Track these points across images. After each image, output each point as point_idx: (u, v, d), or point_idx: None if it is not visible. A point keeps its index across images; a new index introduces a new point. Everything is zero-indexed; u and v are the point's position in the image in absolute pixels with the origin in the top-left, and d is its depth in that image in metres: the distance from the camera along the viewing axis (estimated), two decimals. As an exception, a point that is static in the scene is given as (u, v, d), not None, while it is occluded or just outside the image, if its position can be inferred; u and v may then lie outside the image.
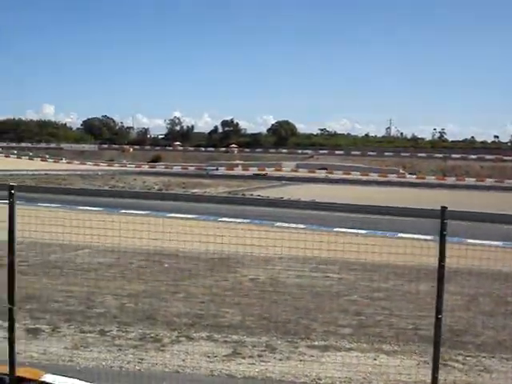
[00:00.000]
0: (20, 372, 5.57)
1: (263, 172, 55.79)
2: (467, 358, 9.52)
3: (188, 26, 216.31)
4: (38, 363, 8.07)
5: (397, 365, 9.06)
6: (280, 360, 9.20)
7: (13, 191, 4.80)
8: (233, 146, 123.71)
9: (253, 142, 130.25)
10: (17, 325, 9.95)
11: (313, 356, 9.46)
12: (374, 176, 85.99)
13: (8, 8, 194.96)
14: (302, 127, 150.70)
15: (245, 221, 26.50)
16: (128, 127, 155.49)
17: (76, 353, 9.17)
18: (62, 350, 9.30)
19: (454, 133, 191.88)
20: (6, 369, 6.33)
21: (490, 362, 9.43)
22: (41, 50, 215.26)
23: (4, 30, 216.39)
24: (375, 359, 9.37)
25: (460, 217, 25.85)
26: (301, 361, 9.22)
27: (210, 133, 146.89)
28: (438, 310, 4.74)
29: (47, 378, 6.26)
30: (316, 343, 10.07)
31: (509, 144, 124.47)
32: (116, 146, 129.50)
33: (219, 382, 8.26)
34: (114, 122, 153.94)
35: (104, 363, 8.76)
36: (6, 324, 10.37)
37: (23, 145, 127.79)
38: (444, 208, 4.64)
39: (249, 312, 11.65)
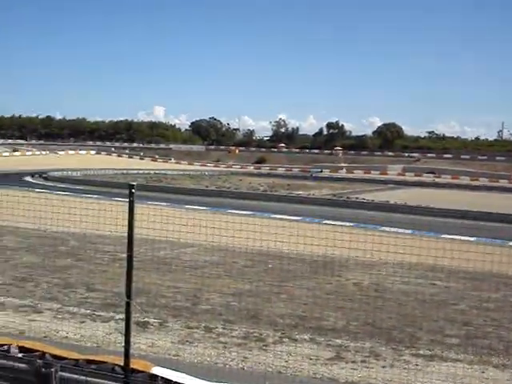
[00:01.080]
0: (132, 363, 5.79)
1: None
2: None
3: (293, 26, 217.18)
4: (146, 355, 8.35)
5: (506, 379, 8.68)
6: (383, 367, 9.03)
7: (133, 190, 5.00)
8: (337, 148, 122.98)
9: (358, 144, 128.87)
10: (127, 317, 10.45)
11: (417, 365, 9.21)
12: (484, 181, 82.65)
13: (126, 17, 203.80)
14: (409, 130, 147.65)
15: (349, 224, 26.18)
16: (234, 129, 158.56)
17: (182, 347, 9.43)
18: (168, 343, 9.59)
19: None
20: (117, 359, 6.62)
21: None
22: (155, 55, 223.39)
23: (117, 39, 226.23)
24: (483, 372, 9.00)
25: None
26: (405, 369, 9.00)
27: (314, 135, 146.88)
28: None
29: (156, 370, 6.47)
30: (421, 352, 9.80)
31: None
32: (222, 147, 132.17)
33: (321, 386, 8.24)
34: (220, 123, 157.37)
35: (209, 359, 8.95)
36: (117, 316, 10.93)
37: (134, 145, 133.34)
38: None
39: (352, 316, 11.52)
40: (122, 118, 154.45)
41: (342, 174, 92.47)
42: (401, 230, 25.88)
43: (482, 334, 11.09)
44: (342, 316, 11.56)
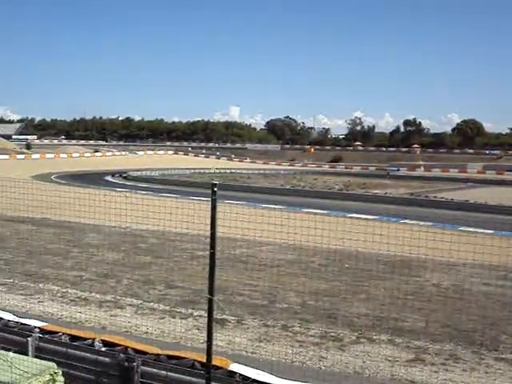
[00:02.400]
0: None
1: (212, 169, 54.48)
2: None
3: (365, 22, 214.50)
4: (224, 352, 8.46)
5: None
6: (464, 371, 8.79)
7: (215, 189, 5.08)
8: (415, 146, 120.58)
9: (436, 142, 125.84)
10: (205, 314, 10.61)
11: (500, 369, 8.92)
12: None
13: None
14: (490, 126, 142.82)
15: (427, 223, 25.60)
16: (309, 127, 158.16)
17: (259, 345, 9.50)
18: (246, 341, 9.68)
19: None
20: (197, 355, 6.74)
21: None
22: (230, 56, 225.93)
23: (192, 41, 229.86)
24: None
25: None
26: (486, 373, 8.75)
27: (391, 133, 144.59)
28: None
29: (234, 367, 6.56)
30: (504, 356, 9.48)
31: None
32: (297, 146, 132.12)
33: (400, 388, 8.11)
34: (295, 122, 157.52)
35: (286, 358, 8.97)
36: (196, 313, 11.13)
37: (211, 145, 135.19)
38: None
39: (432, 318, 11.28)
40: (198, 119, 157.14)
41: (420, 172, 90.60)
42: (481, 230, 25.12)
43: None
44: (421, 317, 11.33)
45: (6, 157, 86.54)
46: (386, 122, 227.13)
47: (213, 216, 4.98)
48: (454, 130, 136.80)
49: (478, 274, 15.37)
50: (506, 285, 14.72)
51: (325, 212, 29.30)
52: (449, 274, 15.57)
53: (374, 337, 10.12)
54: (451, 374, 8.63)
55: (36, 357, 6.71)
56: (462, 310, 12.01)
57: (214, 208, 4.97)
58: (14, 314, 8.59)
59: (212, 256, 5.05)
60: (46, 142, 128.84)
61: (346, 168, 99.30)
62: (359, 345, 9.71)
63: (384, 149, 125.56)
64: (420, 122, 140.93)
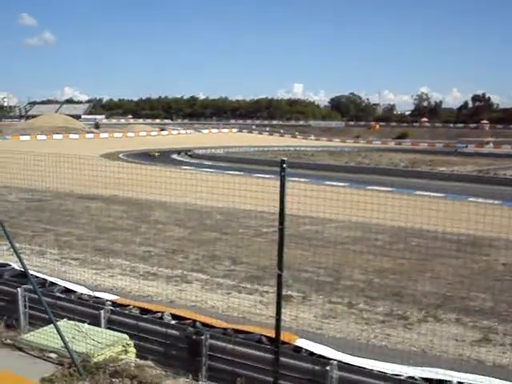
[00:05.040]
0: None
1: (155, 153, 56.70)
2: None
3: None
4: (289, 328, 8.54)
5: None
6: (535, 351, 8.62)
7: (284, 165, 5.11)
8: (484, 122, 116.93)
9: (506, 117, 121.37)
10: (271, 290, 10.73)
11: None
12: None
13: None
14: None
15: (496, 202, 24.93)
16: (374, 104, 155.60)
17: (325, 322, 9.56)
18: (312, 317, 9.76)
19: None
20: (264, 330, 6.86)
21: None
22: (293, 34, 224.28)
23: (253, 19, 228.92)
24: None
25: None
26: (558, 355, 8.54)
27: (459, 108, 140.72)
28: None
29: (301, 342, 6.64)
30: None
31: None
32: (362, 123, 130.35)
33: (468, 367, 7.98)
34: (360, 98, 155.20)
35: (351, 335, 9.00)
36: (261, 288, 11.27)
37: (274, 122, 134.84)
38: None
39: (501, 298, 11.05)
40: (262, 96, 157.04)
41: (489, 149, 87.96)
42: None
43: None
44: (489, 297, 11.13)
45: (76, 136, 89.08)
46: (453, 97, 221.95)
47: (282, 192, 5.01)
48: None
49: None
50: None
51: (390, 189, 28.96)
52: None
53: (441, 316, 10.02)
54: (521, 354, 8.47)
55: (108, 329, 6.96)
56: (535, 289, 11.74)
57: (282, 184, 5.00)
58: (87, 288, 8.92)
59: (281, 232, 5.09)
60: (114, 121, 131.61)
61: (411, 145, 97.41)
62: (426, 323, 9.65)
63: (451, 125, 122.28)
64: (489, 97, 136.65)
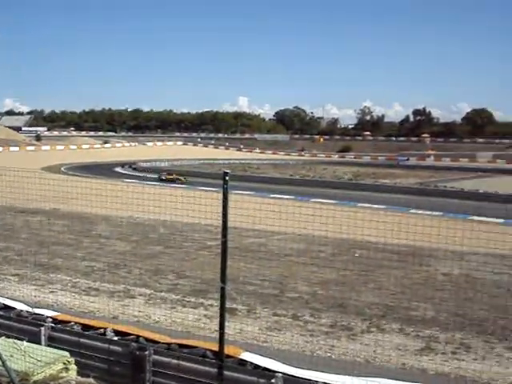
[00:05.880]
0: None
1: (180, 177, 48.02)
2: None
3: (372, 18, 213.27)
4: (235, 341, 8.49)
5: None
6: (475, 360, 8.80)
7: (227, 178, 5.07)
8: (424, 135, 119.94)
9: (446, 131, 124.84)
10: (215, 303, 10.65)
11: (511, 358, 8.92)
12: None
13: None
14: (501, 115, 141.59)
15: (437, 213, 25.54)
16: (318, 118, 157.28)
17: (270, 334, 9.53)
18: (257, 330, 9.72)
19: None
20: (208, 344, 6.77)
21: None
22: (237, 46, 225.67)
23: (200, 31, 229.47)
24: None
25: None
26: (497, 362, 8.75)
27: (400, 122, 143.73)
28: None
29: (246, 355, 6.59)
30: (514, 345, 9.48)
31: None
32: (307, 136, 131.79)
33: (411, 376, 8.09)
34: (304, 112, 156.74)
35: (297, 347, 9.01)
36: (206, 302, 11.17)
37: (220, 135, 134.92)
38: None
39: (442, 307, 11.26)
40: (207, 109, 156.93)
41: (430, 161, 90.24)
42: (491, 220, 25.08)
43: None
44: (431, 306, 11.33)
45: (17, 149, 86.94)
46: (395, 111, 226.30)
47: (224, 205, 4.98)
48: (463, 119, 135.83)
49: (489, 264, 15.32)
50: (517, 274, 14.67)
51: (334, 202, 29.30)
52: (459, 263, 15.51)
53: (385, 326, 10.15)
54: (462, 362, 8.65)
55: (49, 346, 6.76)
56: (473, 299, 12.00)
57: (225, 197, 4.97)
58: (27, 304, 8.65)
59: (224, 244, 5.05)
60: (56, 133, 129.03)
61: (355, 158, 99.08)
62: (369, 334, 9.74)
63: (393, 138, 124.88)
64: (430, 112, 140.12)
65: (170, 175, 48.84)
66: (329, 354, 8.79)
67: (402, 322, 10.30)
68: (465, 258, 15.67)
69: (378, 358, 8.65)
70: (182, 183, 44.92)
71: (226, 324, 8.39)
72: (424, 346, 9.27)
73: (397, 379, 6.44)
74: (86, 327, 7.61)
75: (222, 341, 5.19)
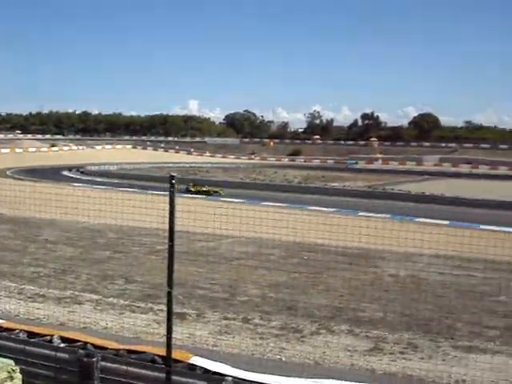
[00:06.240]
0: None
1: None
2: None
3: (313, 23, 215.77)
4: (185, 346, 8.43)
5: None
6: (422, 359, 8.96)
7: (174, 181, 5.04)
8: (372, 139, 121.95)
9: (393, 135, 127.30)
10: (165, 308, 10.55)
11: (456, 357, 9.12)
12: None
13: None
14: (446, 120, 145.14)
15: (385, 216, 25.99)
16: (268, 121, 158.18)
17: (220, 338, 9.50)
18: (206, 334, 9.67)
19: None
20: (157, 349, 6.71)
21: None
22: (186, 49, 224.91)
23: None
24: (525, 364, 8.87)
25: None
26: (444, 360, 8.93)
27: (349, 126, 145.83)
28: None
29: (195, 360, 6.55)
30: (460, 343, 9.70)
31: None
32: (257, 140, 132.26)
33: (359, 376, 8.19)
34: (254, 116, 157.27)
35: (247, 350, 9.00)
36: (156, 307, 11.06)
37: (170, 139, 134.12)
38: None
39: (390, 308, 11.44)
40: (157, 113, 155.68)
41: (378, 165, 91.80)
42: (437, 222, 25.63)
43: (523, 325, 10.92)
44: (379, 307, 11.50)
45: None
46: (344, 115, 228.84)
47: (171, 208, 4.94)
48: (410, 123, 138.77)
49: (434, 264, 15.67)
50: (460, 274, 15.04)
51: (284, 205, 29.49)
52: (406, 264, 15.83)
53: (334, 327, 10.23)
54: (409, 362, 8.78)
55: (-7, 354, 6.58)
56: (419, 299, 12.23)
57: (172, 201, 4.93)
58: (-31, 312, 8.41)
59: (170, 248, 5.02)
60: (1, 136, 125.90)
61: (305, 161, 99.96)
62: (319, 335, 9.81)
63: (342, 142, 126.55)
64: (378, 116, 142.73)
65: (199, 186, 42.78)
66: (279, 357, 8.81)
67: (350, 323, 10.41)
68: (411, 259, 16.06)
69: (327, 359, 8.72)
70: (219, 196, 39.23)
71: (176, 329, 8.33)
72: (372, 346, 9.39)
73: (345, 380, 6.49)
74: (31, 335, 7.42)
75: (169, 346, 5.15)
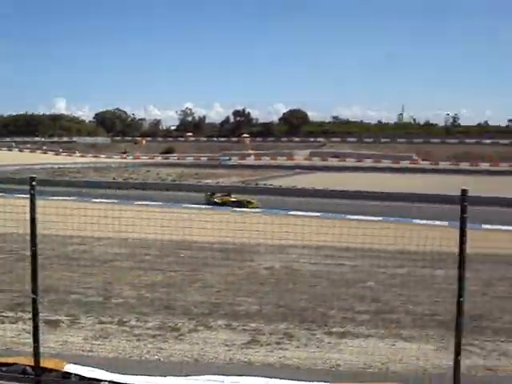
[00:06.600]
0: (43, 362, 5.64)
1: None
2: (485, 343, 9.49)
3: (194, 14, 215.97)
4: (58, 354, 8.14)
5: (415, 350, 9.07)
6: (298, 347, 9.21)
7: (34, 183, 4.84)
8: (244, 135, 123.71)
9: (265, 131, 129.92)
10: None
11: (330, 343, 9.46)
12: (387, 163, 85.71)
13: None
14: (315, 115, 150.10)
15: (258, 210, 26.48)
16: (140, 119, 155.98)
17: (96, 343, 9.25)
18: (81, 340, 9.38)
19: (468, 118, 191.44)
20: (28, 360, 6.43)
21: (509, 346, 9.40)
22: (49, 44, 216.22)
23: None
24: (393, 345, 9.37)
25: (477, 202, 25.70)
26: (318, 347, 9.23)
27: (221, 123, 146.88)
28: (460, 293, 4.81)
29: (69, 368, 6.35)
30: (334, 330, 10.07)
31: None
32: (129, 138, 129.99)
33: (238, 369, 8.29)
34: (126, 114, 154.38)
35: (124, 353, 8.83)
36: (26, 316, 10.57)
37: (36, 139, 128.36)
38: (465, 191, 4.66)
39: (265, 300, 11.68)
40: (21, 112, 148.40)
41: (250, 161, 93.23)
42: (308, 213, 26.50)
43: (390, 308, 11.53)
44: (255, 300, 11.69)
45: None
46: (216, 112, 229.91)
47: (32, 212, 4.75)
48: (280, 119, 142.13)
49: (307, 255, 16.21)
50: (332, 263, 15.65)
51: (158, 204, 29.24)
52: (280, 256, 16.23)
53: (211, 323, 10.27)
54: (286, 351, 8.99)
55: None
56: (294, 290, 12.60)
57: (33, 203, 4.74)
58: None
59: (34, 253, 4.83)
60: None
61: (178, 159, 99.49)
62: (197, 332, 9.81)
63: (215, 139, 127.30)
64: (249, 113, 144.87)
65: (224, 196, 37.08)
66: (157, 357, 8.72)
67: (228, 318, 10.50)
68: (285, 252, 16.49)
69: (206, 355, 8.75)
70: (253, 208, 33.14)
71: (49, 337, 8.04)
72: (250, 339, 9.53)
73: (224, 374, 6.55)
74: None
75: (37, 355, 4.96)
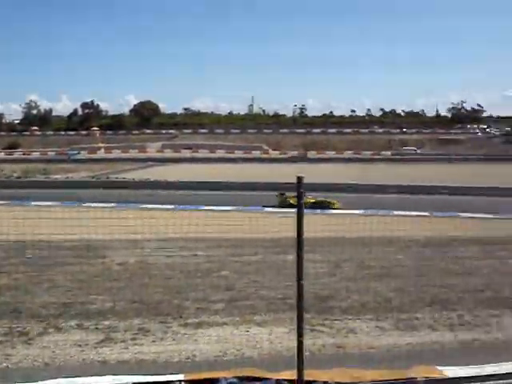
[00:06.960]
0: None
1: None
2: (334, 322, 10.01)
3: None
4: None
5: (268, 334, 9.35)
6: (153, 342, 9.18)
7: None
8: (94, 128, 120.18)
9: (115, 123, 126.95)
10: None
11: (186, 334, 9.52)
12: (239, 153, 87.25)
13: None
14: (166, 107, 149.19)
15: (109, 205, 25.89)
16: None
17: None
18: None
19: (315, 108, 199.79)
20: None
21: (356, 323, 9.97)
22: None
23: None
24: (247, 331, 9.61)
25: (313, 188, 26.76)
26: (174, 340, 9.26)
27: (69, 116, 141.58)
28: (299, 276, 5.04)
29: None
30: (189, 321, 10.13)
31: (365, 117, 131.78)
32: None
33: (92, 369, 8.08)
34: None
35: (-32, 363, 8.30)
36: None
37: None
38: (300, 177, 4.86)
39: (119, 296, 11.47)
40: None
41: (101, 154, 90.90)
42: (162, 206, 26.41)
43: (245, 296, 11.80)
44: (108, 297, 11.43)
45: None
46: (63, 104, 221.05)
47: None
48: (131, 111, 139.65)
49: (162, 248, 16.15)
50: (186, 255, 15.74)
51: (3, 202, 27.72)
52: (133, 251, 16.01)
53: (62, 324, 9.91)
54: (141, 346, 8.93)
55: None
56: (148, 284, 12.50)
57: None
58: None
59: None
60: None
61: (23, 154, 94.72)
62: (47, 335, 9.42)
63: (63, 133, 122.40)
64: (98, 105, 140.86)
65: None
66: (5, 364, 8.28)
67: (80, 318, 10.19)
68: (139, 246, 16.31)
69: (58, 358, 8.45)
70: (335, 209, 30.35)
71: None
72: (104, 337, 9.33)
73: (77, 376, 6.35)
74: None
75: None
